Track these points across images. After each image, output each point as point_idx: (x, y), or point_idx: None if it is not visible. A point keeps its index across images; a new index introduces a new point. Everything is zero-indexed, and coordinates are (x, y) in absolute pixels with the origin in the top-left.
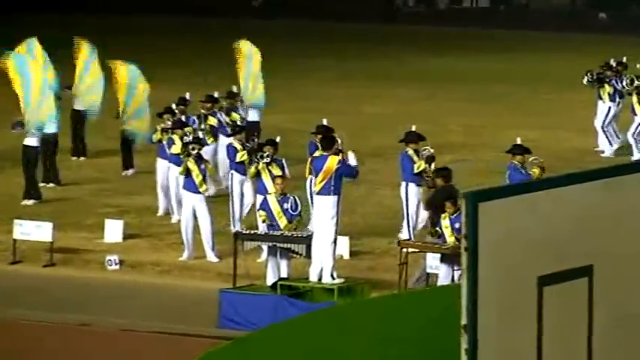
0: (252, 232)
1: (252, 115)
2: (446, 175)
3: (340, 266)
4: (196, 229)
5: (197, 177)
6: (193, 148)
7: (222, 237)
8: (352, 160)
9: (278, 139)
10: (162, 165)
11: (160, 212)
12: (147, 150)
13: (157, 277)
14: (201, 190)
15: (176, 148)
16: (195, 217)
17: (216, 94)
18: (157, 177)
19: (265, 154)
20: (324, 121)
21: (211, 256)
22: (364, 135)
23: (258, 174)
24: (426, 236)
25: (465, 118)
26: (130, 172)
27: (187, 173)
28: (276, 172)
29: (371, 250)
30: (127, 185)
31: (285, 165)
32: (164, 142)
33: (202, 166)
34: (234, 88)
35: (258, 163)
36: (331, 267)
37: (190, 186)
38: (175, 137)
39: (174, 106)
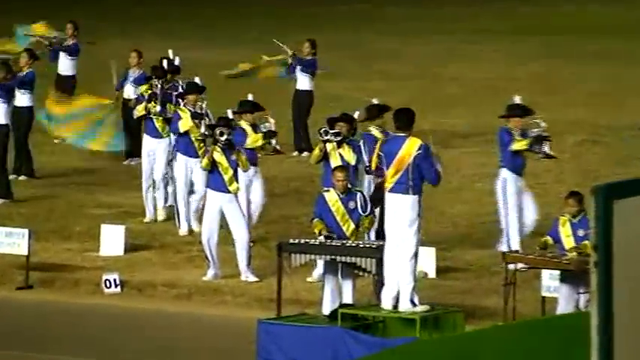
0: (302, 241)
1: (302, 82)
2: None
3: (423, 288)
4: (224, 239)
5: (226, 172)
6: (221, 133)
7: (260, 248)
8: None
9: (357, 114)
10: (150, 147)
11: (148, 218)
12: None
13: (173, 303)
14: (231, 188)
15: (184, 124)
16: (220, 225)
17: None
18: (144, 167)
19: (330, 132)
20: (250, 97)
21: (247, 275)
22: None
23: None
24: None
25: None
26: (135, 161)
27: (213, 167)
28: (347, 156)
29: (465, 266)
30: (129, 178)
31: (363, 150)
32: (154, 118)
33: (232, 157)
34: None
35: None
36: (411, 289)
37: (217, 183)
38: (183, 112)
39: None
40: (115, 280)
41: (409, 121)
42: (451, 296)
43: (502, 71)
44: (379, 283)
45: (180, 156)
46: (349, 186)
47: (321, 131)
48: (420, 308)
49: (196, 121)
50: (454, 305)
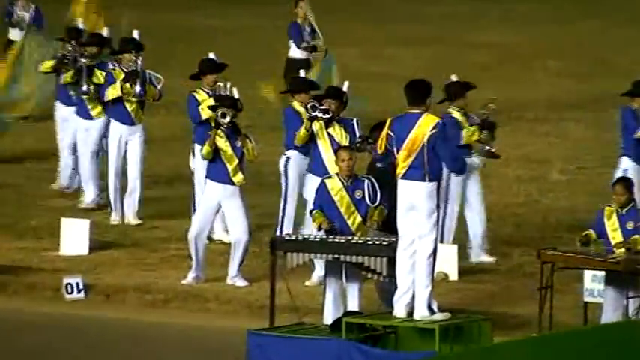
0: (299, 237)
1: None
2: None
3: (443, 293)
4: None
5: (230, 161)
6: (223, 115)
7: (251, 245)
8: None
9: (345, 86)
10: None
11: (86, 202)
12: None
13: (146, 311)
14: (235, 180)
15: (113, 90)
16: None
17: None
18: (111, 159)
19: (319, 108)
20: (211, 55)
21: (236, 278)
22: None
23: (310, 139)
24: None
25: None
26: (102, 142)
27: (215, 155)
28: (338, 136)
29: (492, 266)
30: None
31: (356, 128)
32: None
33: (238, 144)
34: None
35: (312, 120)
36: (428, 294)
37: (218, 173)
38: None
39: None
40: (77, 285)
41: (424, 95)
42: (476, 302)
43: (537, 35)
44: (385, 287)
45: (114, 123)
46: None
47: (308, 107)
48: (439, 316)
49: (131, 81)
50: (480, 312)
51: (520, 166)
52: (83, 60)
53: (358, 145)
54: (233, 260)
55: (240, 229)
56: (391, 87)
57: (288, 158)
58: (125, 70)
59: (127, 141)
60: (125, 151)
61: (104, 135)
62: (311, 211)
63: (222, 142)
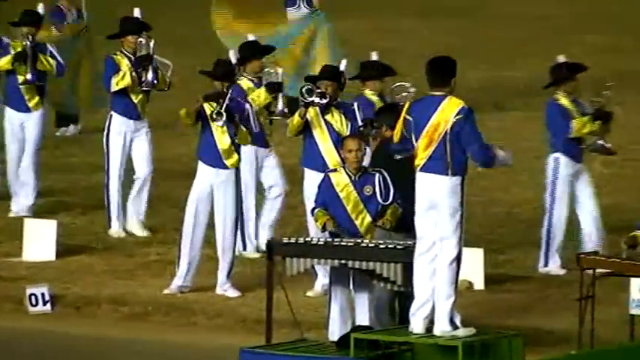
0: (300, 240)
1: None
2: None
3: (467, 304)
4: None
5: (221, 139)
6: (219, 115)
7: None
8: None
9: (343, 65)
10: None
11: (17, 209)
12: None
13: (123, 325)
14: (228, 162)
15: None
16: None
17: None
18: (114, 158)
19: (313, 91)
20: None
21: (227, 287)
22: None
23: (304, 128)
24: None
25: None
26: (71, 130)
27: (205, 131)
28: (336, 124)
29: (525, 274)
30: (64, 154)
31: (357, 113)
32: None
33: (231, 126)
34: None
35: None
36: (450, 306)
37: (209, 154)
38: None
39: None
40: (43, 296)
41: (448, 75)
42: (506, 314)
43: (574, 6)
44: (382, 305)
45: (117, 118)
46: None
47: (303, 90)
48: (462, 331)
49: (142, 68)
50: (510, 327)
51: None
52: (27, 43)
53: (361, 129)
54: (223, 262)
55: (229, 222)
56: (407, 66)
57: None
58: (127, 54)
59: (133, 138)
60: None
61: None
62: (312, 210)
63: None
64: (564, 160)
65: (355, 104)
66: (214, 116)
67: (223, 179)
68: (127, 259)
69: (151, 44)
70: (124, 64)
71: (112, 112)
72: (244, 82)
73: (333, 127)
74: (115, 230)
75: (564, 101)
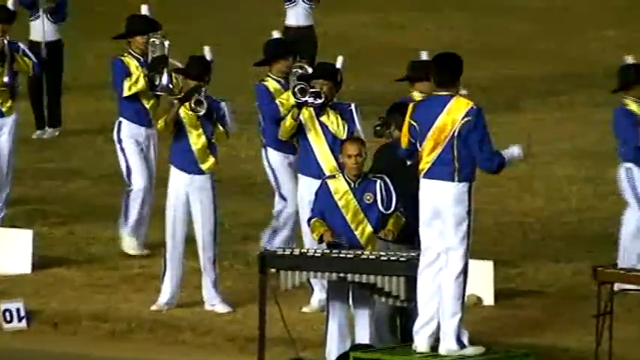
0: (295, 252)
1: (298, 14)
2: None
3: (476, 321)
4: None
5: (197, 141)
6: (198, 102)
7: (234, 262)
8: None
9: (340, 63)
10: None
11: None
12: (84, 94)
13: (104, 343)
14: (204, 167)
15: None
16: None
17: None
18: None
19: (307, 90)
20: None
21: (214, 302)
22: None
23: (297, 131)
24: None
25: None
26: (48, 132)
27: (178, 133)
28: (333, 125)
29: (538, 288)
30: (41, 160)
31: (355, 114)
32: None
33: (208, 125)
34: None
35: (300, 106)
36: (457, 323)
37: (182, 158)
38: None
39: None
40: (18, 311)
41: (455, 74)
42: (517, 332)
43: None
44: (381, 319)
45: (127, 125)
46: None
47: (296, 90)
48: (470, 350)
49: (157, 71)
50: (522, 345)
51: (571, 163)
52: (5, 42)
53: (378, 129)
54: (207, 275)
55: (207, 232)
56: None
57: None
58: (136, 56)
59: (144, 147)
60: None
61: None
62: (309, 220)
63: (188, 118)
64: (637, 170)
65: (353, 104)
66: (194, 105)
67: (198, 185)
68: (108, 272)
69: (166, 44)
70: (134, 66)
71: (121, 119)
72: (270, 83)
73: (328, 129)
74: (132, 246)
75: (633, 106)
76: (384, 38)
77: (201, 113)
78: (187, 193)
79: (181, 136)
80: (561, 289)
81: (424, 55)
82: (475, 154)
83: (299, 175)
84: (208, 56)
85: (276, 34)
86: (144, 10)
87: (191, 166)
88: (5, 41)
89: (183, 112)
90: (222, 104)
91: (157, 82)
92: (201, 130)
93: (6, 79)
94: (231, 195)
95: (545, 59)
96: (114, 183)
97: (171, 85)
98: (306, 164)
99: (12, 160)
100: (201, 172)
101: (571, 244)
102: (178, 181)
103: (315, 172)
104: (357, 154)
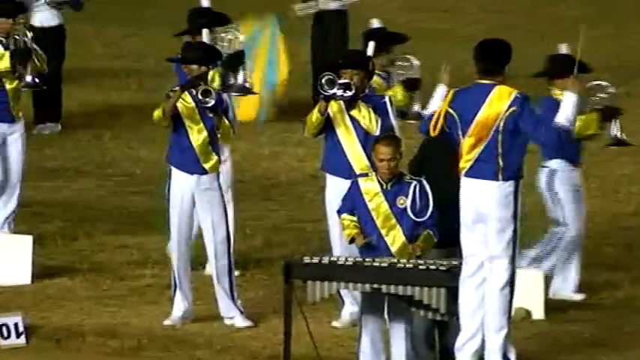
0: (323, 260)
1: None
2: None
3: (524, 337)
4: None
5: (198, 139)
6: (205, 93)
7: (256, 272)
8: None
9: (371, 49)
10: None
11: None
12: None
13: None
14: (207, 166)
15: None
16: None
17: None
18: None
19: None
20: None
21: (233, 315)
22: None
23: (326, 126)
24: None
25: None
26: (49, 127)
27: (177, 129)
28: (364, 120)
29: (596, 300)
30: (42, 159)
31: (390, 108)
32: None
33: (209, 116)
34: None
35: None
36: (503, 339)
37: (183, 157)
38: None
39: None
40: (16, 326)
41: (501, 61)
42: (571, 349)
43: None
44: (418, 331)
45: None
46: (396, 170)
47: (323, 81)
48: None
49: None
50: None
51: (630, 162)
52: (25, 39)
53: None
54: (220, 287)
55: (219, 238)
56: (450, 50)
57: None
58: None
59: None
60: None
61: None
62: (339, 212)
63: (188, 112)
64: None
65: (387, 97)
66: (201, 96)
67: (205, 187)
68: (116, 282)
69: (240, 38)
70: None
71: None
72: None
73: (359, 124)
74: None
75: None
76: (423, 23)
77: (211, 104)
78: (193, 196)
79: (180, 132)
80: (619, 301)
81: (564, 49)
82: (528, 131)
83: (327, 176)
84: (206, 39)
85: (375, 23)
86: (204, 2)
87: (193, 166)
88: (26, 38)
89: (181, 104)
90: (225, 96)
91: (231, 82)
92: (202, 125)
93: (29, 78)
94: (252, 197)
95: (600, 44)
96: (122, 184)
97: (247, 85)
98: (335, 162)
99: (23, 167)
100: (204, 172)
101: (629, 251)
102: (182, 182)
103: (345, 171)
104: (389, 158)
